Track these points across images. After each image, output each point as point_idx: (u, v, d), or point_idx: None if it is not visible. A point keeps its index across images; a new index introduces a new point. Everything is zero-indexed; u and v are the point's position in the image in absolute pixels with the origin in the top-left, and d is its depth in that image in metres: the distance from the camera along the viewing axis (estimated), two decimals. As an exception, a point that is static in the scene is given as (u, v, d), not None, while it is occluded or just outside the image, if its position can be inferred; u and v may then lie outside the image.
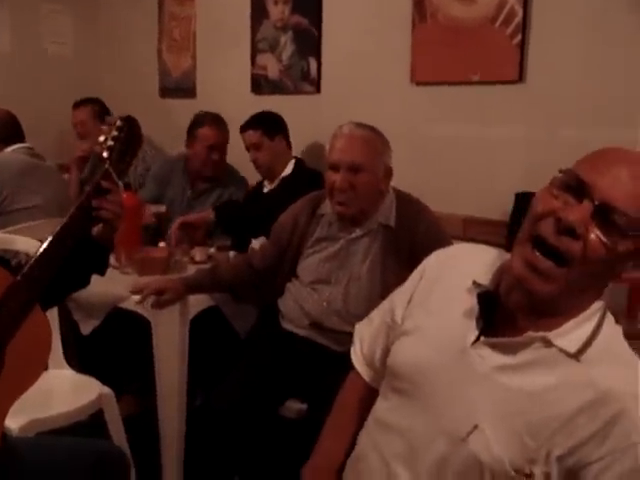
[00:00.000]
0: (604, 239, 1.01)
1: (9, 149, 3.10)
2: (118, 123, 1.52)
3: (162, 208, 3.23)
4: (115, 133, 1.51)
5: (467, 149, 2.78)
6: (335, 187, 2.14)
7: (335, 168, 2.15)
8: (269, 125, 3.10)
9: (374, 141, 2.19)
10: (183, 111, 3.84)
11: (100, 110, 3.81)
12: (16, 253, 2.37)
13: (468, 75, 2.72)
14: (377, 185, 2.18)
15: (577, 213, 1.02)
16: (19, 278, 1.36)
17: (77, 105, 3.80)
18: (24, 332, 1.37)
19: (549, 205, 1.06)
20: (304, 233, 2.29)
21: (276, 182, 3.10)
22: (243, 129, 3.13)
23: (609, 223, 1.01)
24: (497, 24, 2.60)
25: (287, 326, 2.31)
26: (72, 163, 3.77)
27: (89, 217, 1.45)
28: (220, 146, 3.28)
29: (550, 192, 1.07)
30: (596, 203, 1.01)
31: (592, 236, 1.01)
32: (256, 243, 2.75)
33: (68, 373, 2.42)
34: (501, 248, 1.27)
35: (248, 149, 3.12)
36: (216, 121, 3.32)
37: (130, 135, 1.53)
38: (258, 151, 3.08)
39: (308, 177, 2.96)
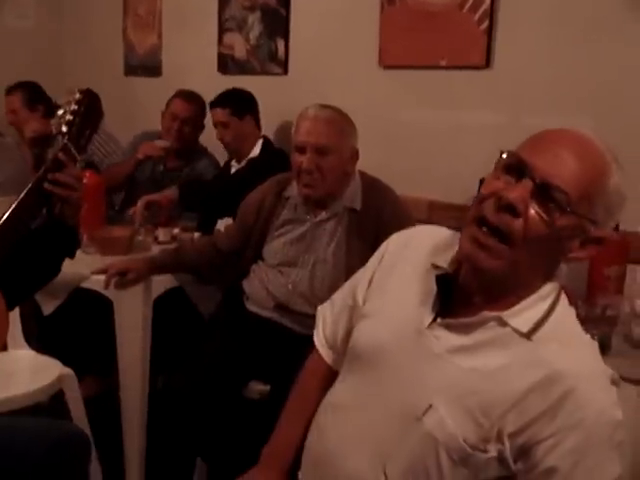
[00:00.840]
0: (544, 215, 1.04)
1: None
2: (77, 96, 1.49)
3: (167, 143, 3.26)
4: (74, 107, 1.48)
5: (434, 133, 2.80)
6: (302, 169, 2.14)
7: (301, 150, 2.15)
8: (238, 104, 3.06)
9: (340, 123, 2.18)
10: (148, 90, 3.80)
11: (32, 97, 3.61)
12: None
13: (436, 60, 2.73)
14: (343, 167, 2.18)
15: (516, 191, 1.05)
16: None
17: (9, 91, 3.65)
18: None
19: (492, 186, 1.09)
20: (270, 215, 2.28)
21: (243, 162, 3.07)
22: (212, 106, 3.11)
23: (549, 200, 1.04)
24: (465, 10, 2.61)
25: (252, 308, 2.31)
26: (25, 145, 3.67)
27: (46, 194, 1.42)
28: (190, 120, 3.27)
29: (494, 175, 1.10)
30: (536, 181, 1.04)
31: (531, 212, 1.04)
32: (221, 224, 2.73)
33: (28, 353, 2.39)
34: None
35: (216, 126, 3.10)
36: (189, 95, 3.31)
37: (90, 109, 1.50)
38: (226, 129, 3.06)
39: (276, 158, 2.93)
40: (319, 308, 1.53)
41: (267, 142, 3.12)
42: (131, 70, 4.25)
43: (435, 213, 2.78)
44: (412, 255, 1.28)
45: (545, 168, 1.04)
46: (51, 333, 2.66)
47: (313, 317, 1.91)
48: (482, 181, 2.45)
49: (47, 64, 4.23)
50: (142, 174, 3.34)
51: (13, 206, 1.39)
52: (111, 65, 4.34)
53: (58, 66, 4.34)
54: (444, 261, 1.20)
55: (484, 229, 1.07)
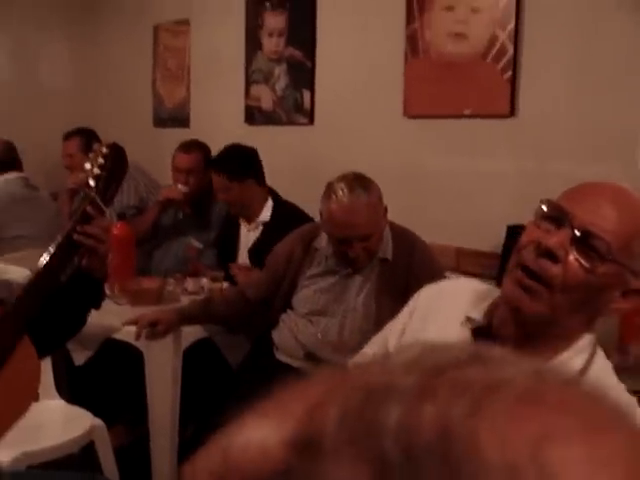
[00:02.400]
0: (584, 262, 1.04)
1: (2, 178, 3.11)
2: (104, 151, 1.53)
3: (186, 188, 3.24)
4: (101, 161, 1.52)
5: (459, 181, 2.82)
6: (350, 257, 2.15)
7: (343, 241, 2.14)
8: (237, 168, 2.87)
9: (372, 201, 2.13)
10: (176, 141, 3.87)
11: (88, 142, 3.75)
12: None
13: (460, 109, 2.76)
14: (381, 233, 2.20)
15: (556, 238, 1.05)
16: (6, 310, 1.37)
17: (67, 137, 3.78)
18: (12, 364, 1.37)
19: (531, 234, 1.10)
20: (299, 266, 2.30)
21: (258, 230, 2.95)
22: (210, 167, 2.99)
23: (589, 248, 1.04)
24: (488, 59, 2.65)
25: (281, 357, 2.32)
26: (63, 194, 3.77)
27: (75, 245, 1.46)
28: (194, 170, 3.23)
29: (534, 223, 1.11)
30: (576, 230, 1.05)
31: (571, 258, 1.05)
32: None
33: (59, 404, 2.40)
34: (493, 280, 1.29)
35: (216, 190, 2.99)
36: (188, 146, 3.30)
37: (116, 162, 1.54)
38: (227, 194, 2.91)
39: (290, 219, 2.75)
40: (349, 362, 1.54)
41: (276, 201, 2.98)
42: (160, 122, 4.35)
43: (463, 260, 2.79)
44: (445, 308, 1.29)
45: (585, 216, 1.05)
46: (82, 383, 2.68)
47: (343, 367, 1.91)
48: (512, 228, 2.47)
49: (82, 118, 4.34)
50: (165, 221, 3.39)
51: (46, 258, 1.43)
52: (141, 117, 4.45)
53: (92, 119, 4.44)
54: (477, 314, 1.21)
55: (527, 272, 1.08)
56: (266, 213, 2.93)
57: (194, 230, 3.27)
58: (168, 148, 3.83)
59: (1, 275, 2.43)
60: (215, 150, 3.64)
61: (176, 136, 3.93)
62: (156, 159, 4.02)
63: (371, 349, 1.46)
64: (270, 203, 2.95)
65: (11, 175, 3.14)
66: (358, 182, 2.11)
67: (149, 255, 3.30)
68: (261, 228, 2.92)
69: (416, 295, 1.39)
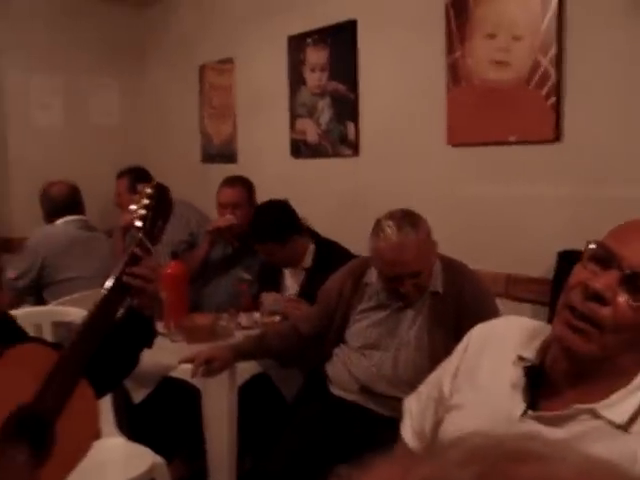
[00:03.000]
0: (632, 303, 1.04)
1: (61, 221, 3.23)
2: (148, 191, 1.58)
3: (234, 219, 3.29)
4: (145, 201, 1.57)
5: (507, 208, 2.81)
6: (401, 293, 2.17)
7: (393, 279, 2.16)
8: (277, 233, 2.84)
9: (423, 241, 2.12)
10: (224, 176, 3.94)
11: (135, 181, 3.80)
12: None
13: (505, 136, 2.76)
14: (432, 267, 2.21)
15: (603, 280, 1.06)
16: (64, 353, 1.42)
17: (119, 176, 3.90)
18: (72, 405, 1.42)
19: (579, 276, 1.10)
20: (350, 302, 2.32)
21: (302, 274, 2.95)
22: (251, 234, 2.96)
23: (637, 289, 1.04)
24: (531, 85, 2.65)
25: (336, 391, 2.33)
26: (116, 232, 3.87)
27: (126, 287, 1.51)
28: (239, 204, 3.30)
29: (581, 264, 1.12)
30: (624, 271, 1.05)
31: (620, 300, 1.05)
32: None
33: (120, 442, 2.46)
34: (545, 306, 1.28)
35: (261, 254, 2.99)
36: (231, 181, 3.37)
37: (160, 202, 1.59)
38: (272, 257, 2.91)
39: (332, 260, 2.72)
40: (405, 400, 1.55)
41: (318, 244, 2.96)
42: (209, 158, 4.44)
43: (513, 287, 2.77)
44: (497, 347, 1.29)
45: (633, 257, 1.05)
46: (141, 421, 2.74)
47: (398, 399, 1.91)
48: (563, 254, 2.45)
49: (132, 157, 4.48)
50: (214, 256, 3.45)
51: (99, 301, 1.49)
52: (190, 154, 4.56)
53: (142, 157, 4.57)
54: (530, 352, 1.21)
55: (575, 314, 1.09)
56: (308, 258, 2.92)
57: (242, 263, 3.33)
58: (217, 183, 3.92)
59: (62, 318, 2.52)
60: (264, 183, 3.72)
61: (224, 171, 4.02)
62: (205, 195, 4.10)
63: (426, 388, 1.47)
64: (312, 248, 2.94)
65: (71, 218, 3.25)
66: (406, 220, 2.11)
67: (200, 291, 3.37)
68: (304, 273, 2.92)
69: (468, 334, 1.40)
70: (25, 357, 1.42)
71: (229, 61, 4.17)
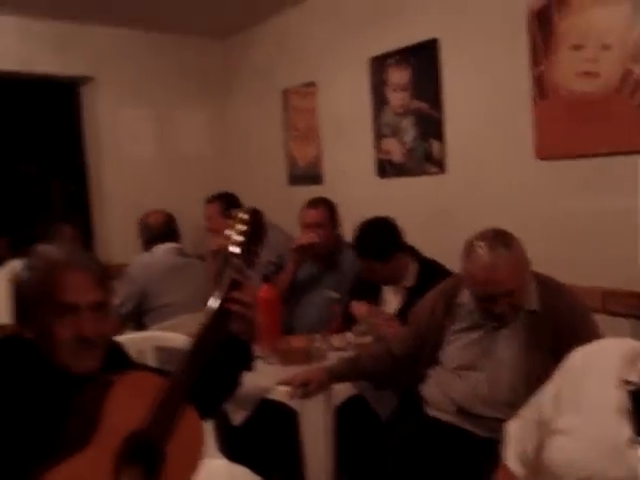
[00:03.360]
0: None
1: (158, 249, 3.36)
2: (243, 217, 1.62)
3: (316, 237, 3.34)
4: (241, 227, 1.60)
5: (600, 221, 2.74)
6: (496, 313, 2.13)
7: (488, 299, 2.13)
8: (380, 251, 2.84)
9: (516, 260, 2.08)
10: (311, 197, 4.00)
11: (227, 205, 3.93)
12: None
13: (595, 147, 2.70)
14: (527, 286, 2.17)
15: None
16: (172, 380, 1.48)
17: (209, 201, 4.00)
18: (180, 430, 1.48)
19: None
20: (443, 323, 2.31)
21: (403, 292, 2.93)
22: (355, 248, 2.94)
23: None
24: (623, 94, 2.59)
25: (432, 412, 2.32)
26: (208, 256, 3.98)
27: (226, 313, 1.55)
28: (322, 224, 3.34)
29: None
30: None
31: None
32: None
33: (222, 463, 2.51)
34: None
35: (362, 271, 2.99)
36: (315, 202, 3.42)
37: (256, 226, 1.62)
38: (374, 274, 2.91)
39: (435, 280, 2.62)
40: (507, 424, 1.54)
41: (420, 262, 2.95)
42: (295, 180, 4.52)
43: (610, 301, 2.70)
44: (599, 370, 1.27)
45: None
46: (240, 442, 2.79)
47: (495, 420, 1.89)
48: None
49: (220, 182, 4.62)
50: (301, 276, 3.49)
51: (203, 326, 1.53)
52: (276, 177, 4.65)
53: (229, 181, 4.72)
54: (635, 375, 1.19)
55: None
56: (411, 277, 2.92)
57: (329, 282, 3.37)
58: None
59: (163, 343, 2.62)
60: (350, 204, 3.75)
61: (310, 193, 4.08)
62: (292, 216, 4.17)
63: (527, 412, 1.46)
64: (414, 266, 2.93)
65: (168, 245, 3.38)
66: (499, 239, 2.09)
67: (291, 312, 3.42)
68: (406, 292, 2.91)
69: (569, 357, 1.38)
70: (135, 384, 1.49)
71: (311, 84, 4.25)
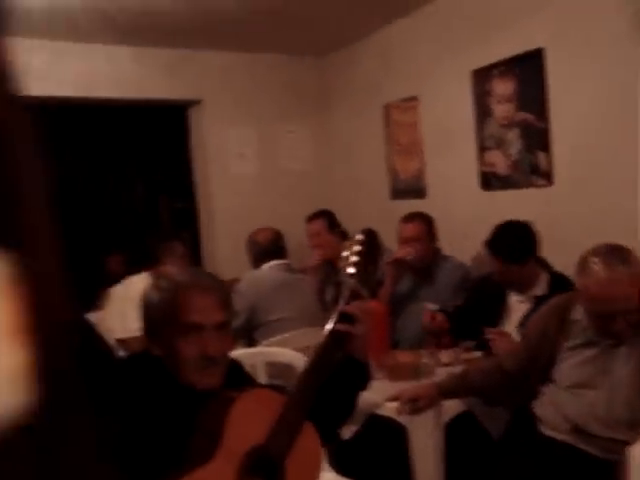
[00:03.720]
0: None
1: (267, 265, 3.45)
2: (359, 237, 1.64)
3: (411, 251, 3.35)
4: (357, 248, 1.63)
5: None
6: (613, 332, 2.08)
7: (605, 317, 2.08)
8: (516, 253, 2.82)
9: (635, 275, 2.01)
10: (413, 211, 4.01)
11: (331, 221, 4.03)
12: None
13: None
14: None
15: None
16: (291, 397, 1.52)
17: (314, 217, 4.07)
18: (299, 446, 1.51)
19: None
20: (556, 340, 2.26)
21: (530, 301, 2.87)
22: (487, 247, 2.92)
23: None
24: None
25: (546, 431, 2.27)
26: (309, 272, 4.03)
27: (343, 333, 1.58)
28: (419, 238, 3.35)
29: None
30: None
31: None
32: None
33: (332, 477, 2.55)
34: None
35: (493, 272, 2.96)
36: (411, 217, 3.43)
37: (371, 247, 1.64)
38: (504, 275, 2.88)
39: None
40: (630, 448, 1.49)
41: (551, 273, 2.92)
42: (397, 194, 4.54)
43: None
44: None
45: None
46: (349, 456, 2.82)
47: (612, 441, 1.83)
48: None
49: (321, 198, 4.70)
50: (399, 290, 3.49)
51: (320, 345, 1.57)
52: (378, 191, 4.68)
53: (331, 198, 4.79)
54: None
55: None
56: (541, 286, 2.86)
57: (426, 295, 3.36)
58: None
59: (275, 358, 2.69)
60: (454, 216, 3.74)
61: (413, 207, 4.08)
62: (395, 231, 4.19)
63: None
64: (545, 276, 2.88)
65: (276, 262, 3.47)
66: (615, 255, 2.02)
67: (394, 326, 3.42)
68: (534, 300, 2.84)
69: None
70: (256, 400, 1.54)
71: (413, 99, 4.25)
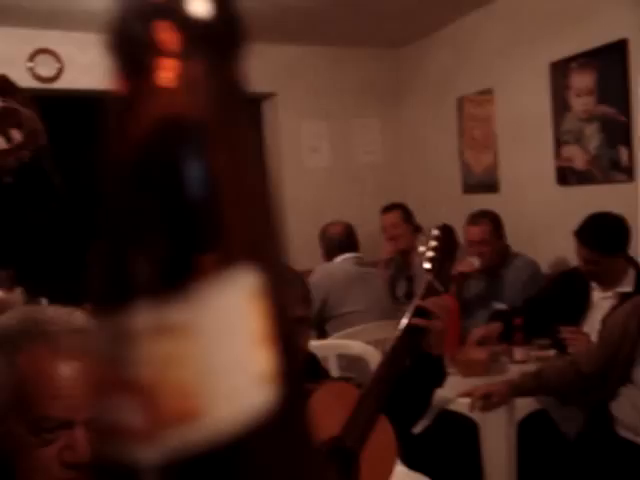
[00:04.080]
0: None
1: (340, 258, 3.48)
2: (435, 233, 1.63)
3: (478, 263, 3.30)
4: (433, 243, 1.62)
5: None
6: None
7: None
8: (608, 244, 2.75)
9: None
10: (486, 206, 3.96)
11: (407, 212, 4.04)
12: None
13: None
14: None
15: None
16: (367, 390, 1.53)
17: (389, 209, 4.05)
18: (373, 439, 1.53)
19: None
20: (636, 341, 2.21)
21: (614, 298, 2.79)
22: (577, 237, 2.84)
23: None
24: None
25: (623, 433, 2.23)
26: (380, 265, 4.03)
27: (419, 328, 1.58)
28: (486, 241, 3.29)
29: None
30: None
31: None
32: None
33: (402, 470, 2.54)
34: None
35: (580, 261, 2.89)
36: (476, 218, 3.37)
37: (447, 243, 1.63)
38: (592, 266, 2.80)
39: None
40: None
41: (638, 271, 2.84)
42: (469, 189, 4.49)
43: None
44: None
45: None
46: (419, 450, 2.82)
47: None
48: None
49: (393, 191, 4.69)
50: (467, 289, 3.45)
51: (395, 339, 1.57)
52: (450, 185, 4.64)
53: (403, 191, 4.77)
54: None
55: None
56: (627, 283, 2.79)
57: (495, 294, 3.31)
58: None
59: (346, 351, 2.71)
60: (527, 212, 3.68)
61: (486, 201, 4.04)
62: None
63: None
64: (632, 272, 2.81)
65: (348, 255, 3.49)
66: None
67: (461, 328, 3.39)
68: (619, 297, 2.74)
69: None
70: (333, 392, 1.56)
71: (488, 92, 4.19)
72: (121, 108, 0.22)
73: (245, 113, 0.24)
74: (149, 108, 0.21)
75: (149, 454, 0.20)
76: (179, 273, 0.22)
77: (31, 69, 4.02)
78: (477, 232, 3.34)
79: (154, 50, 0.21)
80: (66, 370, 0.89)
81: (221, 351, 0.21)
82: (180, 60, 0.21)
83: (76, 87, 4.15)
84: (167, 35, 0.21)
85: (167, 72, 0.21)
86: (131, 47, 0.21)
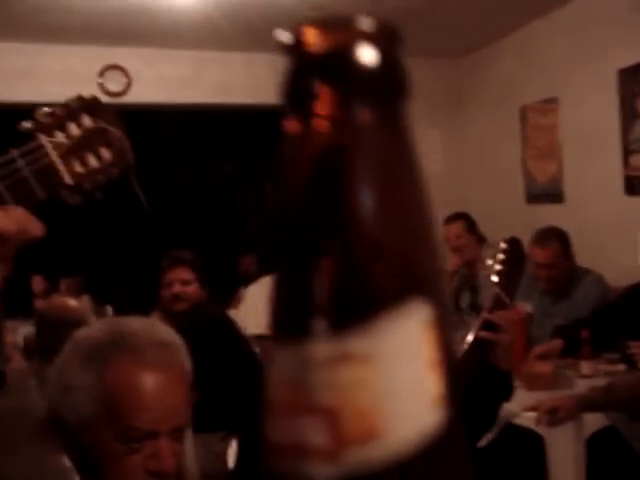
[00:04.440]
0: None
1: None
2: (502, 246, 1.62)
3: (531, 309, 3.21)
4: (501, 256, 1.61)
5: None
6: None
7: None
8: None
9: None
10: (551, 216, 3.90)
11: (470, 223, 3.99)
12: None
13: None
14: None
15: None
16: None
17: (452, 219, 3.98)
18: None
19: None
20: None
21: None
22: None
23: None
24: None
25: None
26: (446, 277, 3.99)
27: (486, 341, 1.56)
28: (553, 264, 3.19)
29: None
30: None
31: None
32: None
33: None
34: None
35: None
36: (543, 241, 3.24)
37: (515, 255, 1.62)
38: None
39: None
40: None
41: None
42: (533, 198, 4.41)
43: None
44: None
45: None
46: (483, 464, 2.79)
47: None
48: None
49: (454, 201, 4.64)
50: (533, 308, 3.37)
51: (462, 354, 1.56)
52: (512, 195, 4.57)
53: (464, 201, 4.73)
54: None
55: None
56: None
57: (559, 312, 3.23)
58: (543, 224, 3.88)
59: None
60: (593, 222, 3.59)
61: (550, 212, 3.98)
62: (530, 235, 4.09)
63: None
64: None
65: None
66: None
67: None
68: None
69: None
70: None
71: (553, 101, 4.13)
72: (293, 147, 0.25)
73: (410, 152, 0.26)
74: (313, 150, 0.25)
75: (331, 471, 0.22)
76: (359, 306, 0.24)
77: (101, 84, 4.16)
78: (545, 256, 3.21)
79: (318, 101, 0.25)
80: (151, 382, 0.94)
81: (399, 377, 0.23)
82: (338, 110, 0.26)
83: (143, 101, 4.27)
84: (327, 89, 0.25)
85: (325, 121, 0.25)
86: (299, 97, 0.26)
